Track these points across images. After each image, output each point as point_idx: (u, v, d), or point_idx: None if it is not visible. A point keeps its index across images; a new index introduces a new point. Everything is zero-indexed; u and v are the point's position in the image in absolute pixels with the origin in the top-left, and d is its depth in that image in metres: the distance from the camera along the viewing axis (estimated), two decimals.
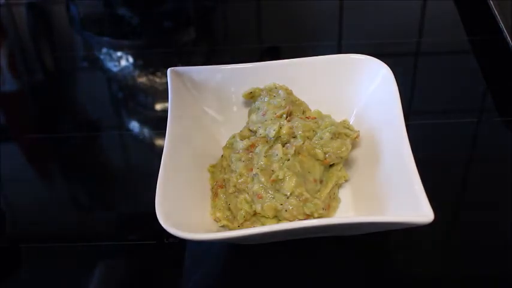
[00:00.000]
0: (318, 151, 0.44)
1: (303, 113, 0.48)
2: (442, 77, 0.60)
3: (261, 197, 0.42)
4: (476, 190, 0.49)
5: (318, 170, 0.44)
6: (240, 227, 0.43)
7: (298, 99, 0.48)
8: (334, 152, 0.44)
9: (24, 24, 0.76)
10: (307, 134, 0.44)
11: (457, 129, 0.54)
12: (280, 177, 0.41)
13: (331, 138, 0.44)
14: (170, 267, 0.44)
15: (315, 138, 0.44)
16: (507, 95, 0.57)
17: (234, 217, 0.43)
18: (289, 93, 0.47)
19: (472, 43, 0.64)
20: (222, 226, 0.43)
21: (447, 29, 0.67)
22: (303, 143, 0.43)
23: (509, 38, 0.59)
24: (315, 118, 0.47)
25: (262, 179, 0.42)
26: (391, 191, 0.41)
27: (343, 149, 0.44)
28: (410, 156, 0.40)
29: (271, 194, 0.41)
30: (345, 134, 0.45)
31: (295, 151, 0.43)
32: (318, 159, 0.44)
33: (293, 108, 0.47)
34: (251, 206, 0.42)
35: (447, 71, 0.61)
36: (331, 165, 0.45)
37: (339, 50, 0.67)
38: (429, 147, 0.51)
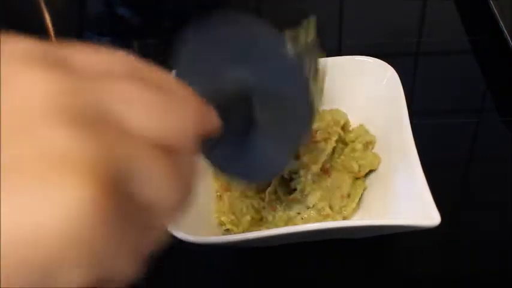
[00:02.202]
0: (354, 164, 0.43)
1: None
2: (442, 77, 0.60)
3: (274, 210, 0.41)
4: (476, 190, 0.49)
5: (347, 184, 0.43)
6: (244, 231, 0.42)
7: None
8: (368, 164, 0.44)
9: None
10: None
11: (457, 129, 0.54)
12: (306, 193, 0.41)
13: (363, 149, 0.44)
14: (170, 267, 0.44)
15: (346, 150, 0.44)
16: (507, 95, 0.57)
17: (239, 221, 0.42)
18: None
19: (472, 43, 0.64)
20: (227, 230, 0.43)
21: (447, 29, 0.67)
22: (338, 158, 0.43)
23: (509, 38, 0.59)
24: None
25: (280, 192, 0.41)
26: (397, 194, 0.41)
27: (376, 161, 0.44)
28: (416, 159, 0.39)
29: (285, 207, 0.41)
30: (369, 141, 0.45)
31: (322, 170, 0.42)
32: (350, 172, 0.43)
33: None
34: (257, 211, 0.42)
35: (447, 71, 0.61)
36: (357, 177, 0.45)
37: (339, 50, 0.66)
38: (429, 147, 0.51)
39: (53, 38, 0.70)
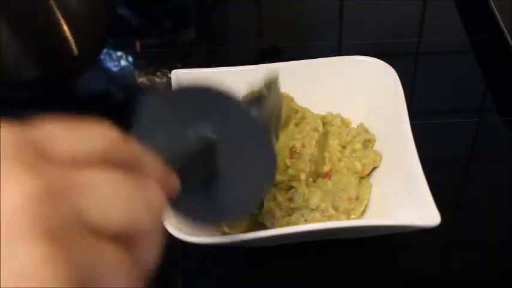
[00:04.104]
0: (357, 164, 0.43)
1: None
2: (442, 77, 0.60)
3: (273, 216, 0.41)
4: (476, 190, 0.49)
5: (353, 186, 0.43)
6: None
7: (300, 107, 0.47)
8: (371, 162, 0.44)
9: None
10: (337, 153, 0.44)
11: (457, 129, 0.54)
12: (306, 197, 0.41)
13: (363, 148, 0.44)
14: (170, 267, 0.44)
15: (347, 150, 0.44)
16: (507, 95, 0.57)
17: (237, 224, 0.42)
18: (290, 100, 0.47)
19: (472, 43, 0.64)
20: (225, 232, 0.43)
21: (447, 29, 0.67)
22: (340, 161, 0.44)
23: (509, 38, 0.59)
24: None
25: (279, 198, 0.41)
26: (397, 194, 0.41)
27: (378, 158, 0.44)
28: (416, 159, 0.39)
29: (285, 213, 0.41)
30: (368, 140, 0.45)
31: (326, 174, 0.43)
32: (355, 172, 0.43)
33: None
34: (256, 214, 0.42)
35: (447, 71, 0.61)
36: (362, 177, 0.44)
37: (339, 50, 0.66)
38: (429, 147, 0.51)
39: None
